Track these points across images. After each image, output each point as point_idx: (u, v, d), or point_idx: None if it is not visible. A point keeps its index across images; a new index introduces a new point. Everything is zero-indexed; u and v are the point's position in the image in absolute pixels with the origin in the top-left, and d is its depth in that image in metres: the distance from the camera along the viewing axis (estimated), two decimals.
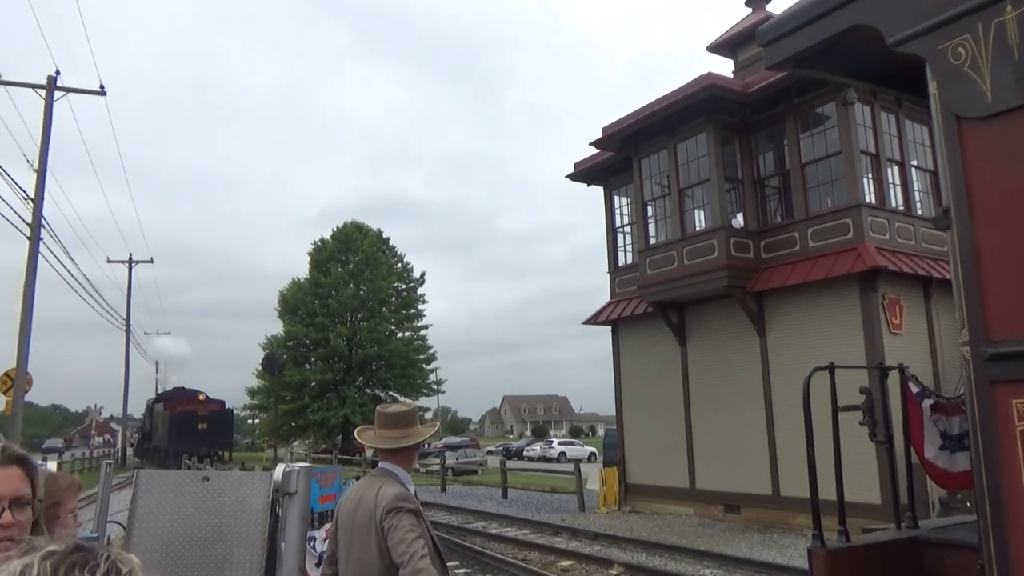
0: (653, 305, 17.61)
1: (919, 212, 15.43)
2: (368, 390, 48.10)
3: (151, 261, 46.26)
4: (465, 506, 20.88)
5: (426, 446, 36.23)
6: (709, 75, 15.78)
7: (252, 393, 49.36)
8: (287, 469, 2.67)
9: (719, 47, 19.35)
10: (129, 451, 52.92)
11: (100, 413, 59.04)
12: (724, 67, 19.62)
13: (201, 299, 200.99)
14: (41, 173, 18.75)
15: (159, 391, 55.12)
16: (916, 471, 4.10)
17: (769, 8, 19.01)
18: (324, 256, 48.68)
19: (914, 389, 3.95)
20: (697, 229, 16.57)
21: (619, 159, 18.88)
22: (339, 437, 46.16)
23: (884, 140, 15.09)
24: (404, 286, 49.88)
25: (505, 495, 24.29)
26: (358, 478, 3.93)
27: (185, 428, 39.82)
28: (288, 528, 2.63)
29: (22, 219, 17.82)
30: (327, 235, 50.21)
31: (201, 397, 43.55)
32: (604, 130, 17.96)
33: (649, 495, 18.51)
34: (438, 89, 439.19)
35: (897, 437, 4.05)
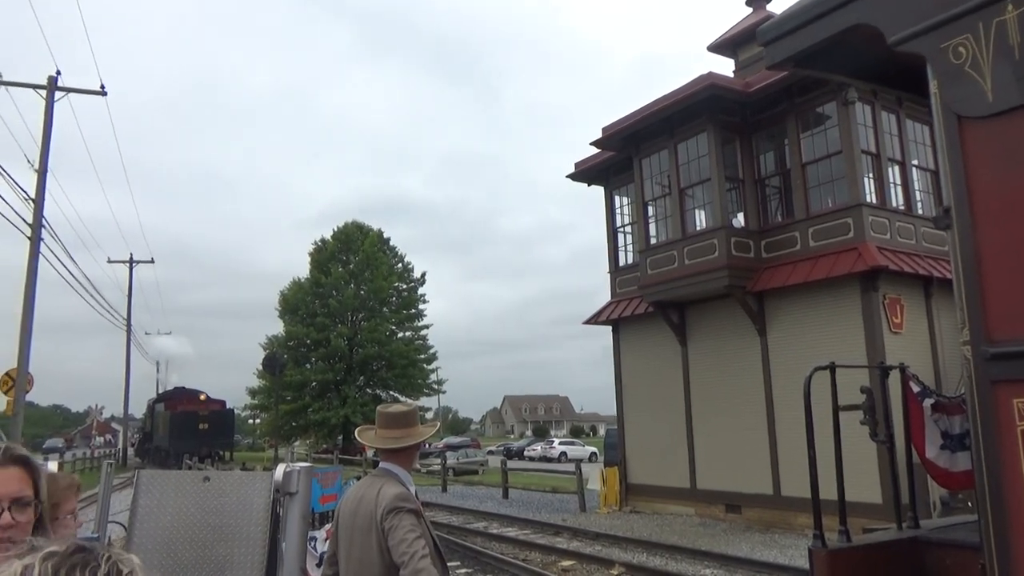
0: (654, 305, 17.61)
1: (920, 212, 15.42)
2: (369, 390, 48.11)
3: (152, 261, 46.33)
4: (466, 506, 20.88)
5: (427, 446, 36.25)
6: (710, 75, 15.78)
7: (253, 393, 49.38)
8: (288, 469, 2.68)
9: (720, 47, 19.35)
10: (130, 451, 52.94)
11: (101, 413, 58.98)
12: (725, 67, 19.64)
13: (202, 299, 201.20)
14: (42, 173, 18.76)
15: (160, 391, 55.17)
16: (917, 471, 4.10)
17: (770, 8, 19.01)
18: (325, 256, 48.69)
19: (915, 388, 3.95)
20: (698, 229, 16.56)
21: (620, 159, 18.88)
22: (340, 437, 46.17)
23: (885, 139, 15.08)
24: (405, 286, 49.89)
25: (506, 495, 24.29)
26: (359, 478, 3.93)
27: (186, 428, 39.85)
28: (289, 528, 2.64)
29: (23, 219, 17.85)
30: (328, 235, 50.29)
31: (202, 397, 43.59)
32: (605, 130, 17.96)
33: (650, 495, 18.51)
34: (438, 89, 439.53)
35: (898, 437, 4.05)
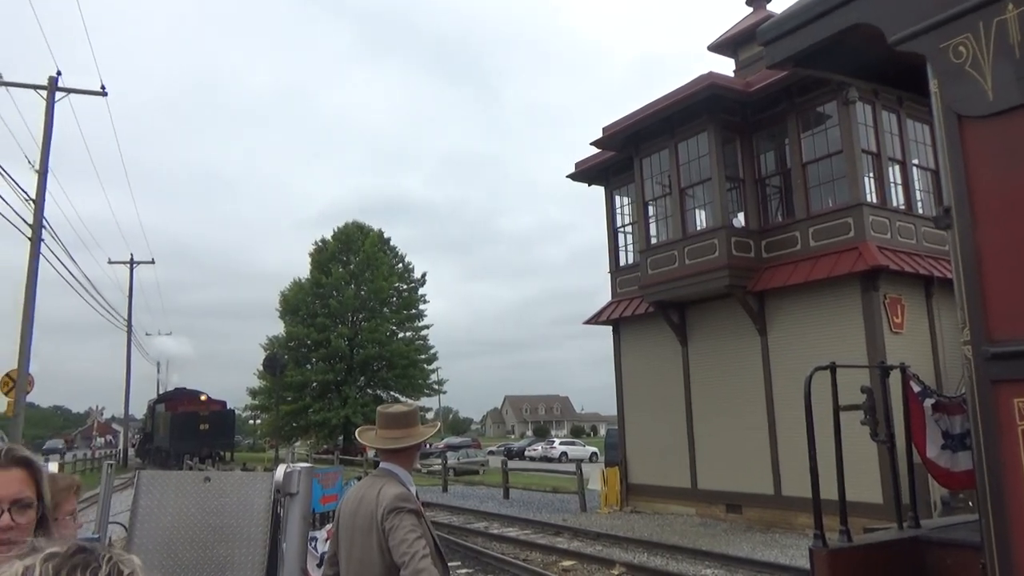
0: (654, 305, 17.60)
1: (920, 211, 15.41)
2: (369, 390, 48.11)
3: (152, 262, 46.37)
4: (466, 506, 20.88)
5: (427, 446, 36.24)
6: (710, 74, 15.78)
7: (253, 393, 49.39)
8: (288, 470, 2.67)
9: (720, 46, 19.34)
10: (131, 452, 52.96)
11: (102, 414, 59.01)
12: (725, 66, 19.64)
13: (202, 299, 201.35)
14: (42, 174, 18.77)
15: (160, 392, 55.18)
16: (918, 470, 4.10)
17: (770, 7, 19.01)
18: (325, 256, 48.69)
19: (916, 388, 3.95)
20: (698, 229, 16.56)
21: (620, 159, 18.88)
22: (340, 437, 46.17)
23: (885, 139, 15.07)
24: (405, 286, 49.89)
25: (507, 495, 24.29)
26: (360, 478, 3.93)
27: (187, 429, 39.87)
28: (290, 529, 2.63)
29: (23, 220, 17.85)
30: (328, 235, 50.28)
31: (203, 398, 43.61)
32: (605, 130, 17.96)
33: (651, 495, 18.50)
34: (438, 89, 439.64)
35: (899, 436, 4.05)
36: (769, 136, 16.66)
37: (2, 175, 16.11)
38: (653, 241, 17.50)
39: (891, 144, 15.27)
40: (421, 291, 50.56)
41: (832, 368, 3.93)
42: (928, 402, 3.93)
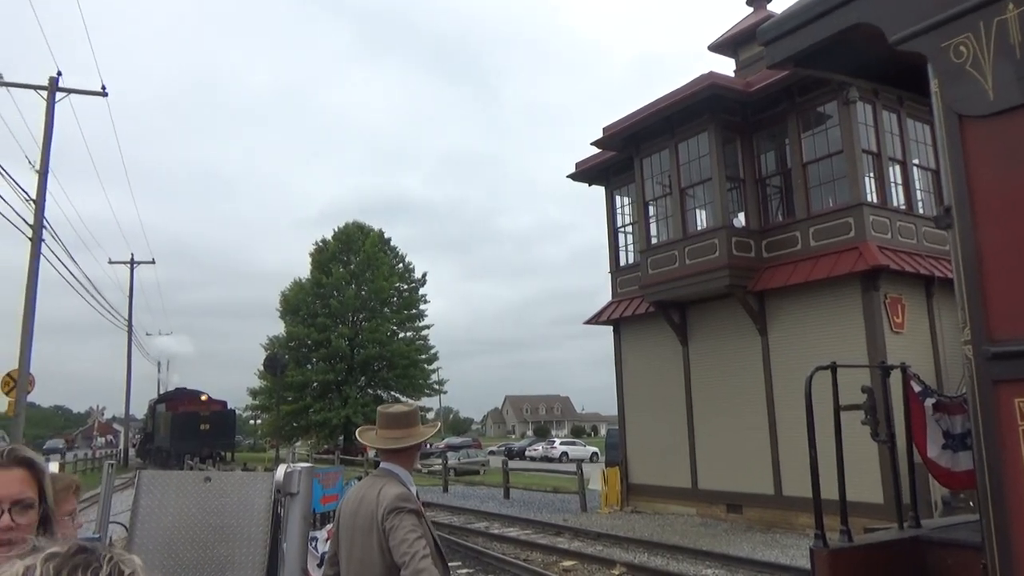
0: (655, 305, 17.60)
1: (921, 211, 15.41)
2: (370, 390, 48.11)
3: (153, 262, 46.39)
4: (467, 506, 20.88)
5: (428, 446, 36.21)
6: (710, 74, 15.77)
7: (254, 393, 49.40)
8: (289, 470, 2.68)
9: (720, 46, 19.34)
10: (131, 452, 52.98)
11: (102, 414, 59.03)
12: (725, 66, 19.63)
13: (202, 299, 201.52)
14: (43, 174, 18.77)
15: (161, 392, 55.20)
16: (918, 470, 4.10)
17: (770, 7, 19.00)
18: (326, 256, 48.69)
19: (916, 388, 3.94)
20: (698, 229, 16.55)
21: (620, 159, 18.87)
22: (341, 437, 46.17)
23: (886, 139, 15.07)
24: (405, 286, 49.88)
25: (507, 495, 24.29)
26: (360, 478, 3.93)
27: (187, 429, 39.88)
28: (290, 528, 2.64)
29: (24, 220, 17.86)
30: (328, 235, 50.28)
31: (203, 398, 43.63)
32: (605, 129, 17.95)
33: (651, 495, 18.50)
34: (438, 88, 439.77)
35: (899, 436, 4.05)
36: (769, 136, 16.66)
37: (3, 175, 16.12)
38: (653, 241, 17.50)
39: (892, 144, 15.26)
40: (421, 291, 50.59)
41: (833, 368, 3.93)
42: (929, 402, 3.92)
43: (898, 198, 15.33)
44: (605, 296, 20.63)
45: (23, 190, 18.01)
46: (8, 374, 18.09)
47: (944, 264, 14.25)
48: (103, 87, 20.53)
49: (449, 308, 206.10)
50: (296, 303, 47.75)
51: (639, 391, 19.22)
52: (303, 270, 54.56)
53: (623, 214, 20.27)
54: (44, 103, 19.20)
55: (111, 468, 3.44)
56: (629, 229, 19.97)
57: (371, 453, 28.66)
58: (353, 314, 47.56)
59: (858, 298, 14.14)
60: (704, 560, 11.95)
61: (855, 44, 2.89)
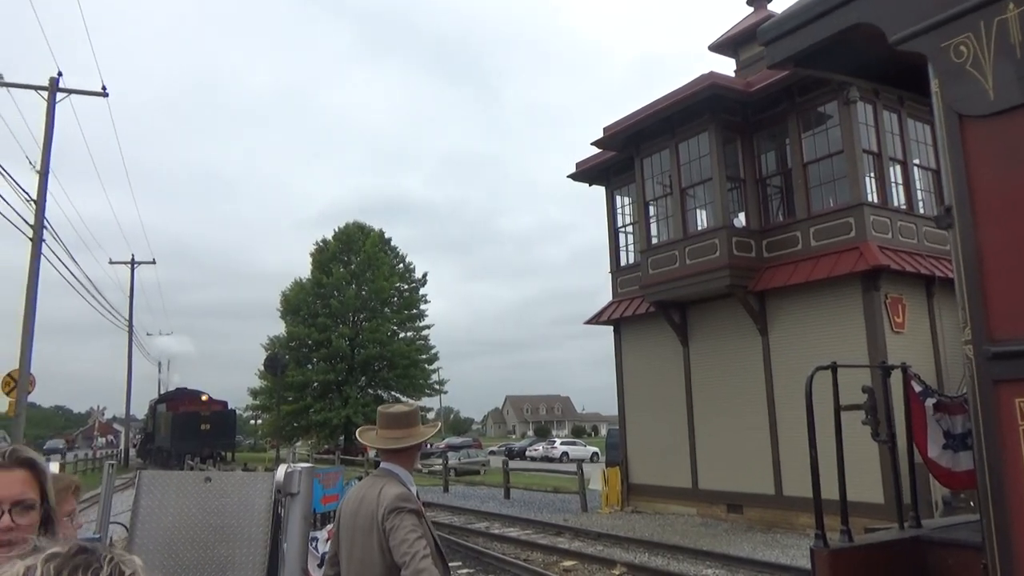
0: (655, 305, 17.60)
1: (921, 211, 15.40)
2: (370, 390, 48.11)
3: (153, 262, 46.39)
4: (468, 506, 20.88)
5: (428, 446, 36.19)
6: (711, 74, 15.77)
7: (254, 394, 49.42)
8: (289, 470, 2.68)
9: (721, 46, 19.34)
10: (132, 452, 52.98)
11: (103, 414, 59.07)
12: (726, 66, 19.64)
13: (203, 299, 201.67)
14: (43, 174, 18.78)
15: (162, 392, 55.22)
16: (919, 470, 4.10)
17: (771, 7, 19.00)
18: (326, 256, 48.70)
19: (917, 388, 3.94)
20: (699, 229, 16.55)
21: (621, 159, 18.87)
22: (341, 438, 46.18)
23: (886, 139, 15.06)
24: (406, 286, 49.89)
25: (507, 495, 24.28)
26: (360, 478, 3.94)
27: (188, 429, 39.88)
28: (290, 528, 2.64)
29: (25, 220, 17.87)
30: (328, 235, 50.30)
31: (204, 398, 43.63)
32: (606, 130, 17.95)
33: (652, 495, 18.50)
34: (438, 89, 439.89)
35: (900, 436, 4.04)
36: (770, 136, 16.66)
37: (3, 176, 16.13)
38: (654, 241, 17.50)
39: (892, 144, 15.26)
40: (422, 291, 50.61)
41: (833, 368, 3.93)
42: (929, 402, 3.92)
43: (899, 198, 15.32)
44: (605, 296, 20.65)
45: (24, 190, 18.04)
46: (9, 374, 18.10)
47: (945, 264, 14.25)
48: (103, 87, 20.54)
49: (450, 308, 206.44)
50: (297, 303, 47.76)
51: (639, 391, 19.22)
52: (304, 270, 54.62)
53: (623, 214, 20.27)
54: (45, 103, 19.22)
55: (111, 468, 3.44)
56: (629, 229, 19.97)
57: (371, 453, 28.67)
58: (353, 314, 47.57)
59: (859, 298, 14.13)
60: (705, 560, 11.95)
61: (855, 44, 2.89)
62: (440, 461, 30.60)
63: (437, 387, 51.37)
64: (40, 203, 18.55)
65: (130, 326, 46.10)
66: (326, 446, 46.95)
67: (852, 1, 2.64)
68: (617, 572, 11.39)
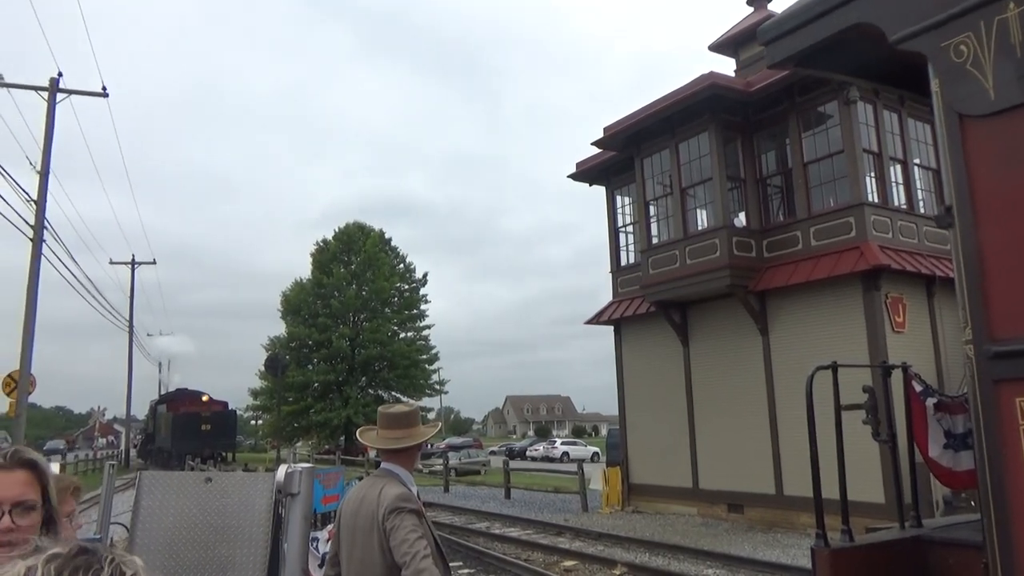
0: (655, 305, 17.60)
1: (922, 210, 15.40)
2: (371, 391, 48.11)
3: (154, 262, 46.41)
4: (468, 506, 20.88)
5: (429, 446, 36.22)
6: (711, 74, 15.77)
7: (255, 394, 49.42)
8: (290, 470, 2.68)
9: (721, 46, 19.34)
10: (132, 452, 52.99)
11: (104, 414, 59.14)
12: (726, 66, 19.62)
13: (203, 300, 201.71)
14: (44, 175, 18.79)
15: (162, 392, 55.22)
16: (920, 470, 4.09)
17: (771, 7, 19.00)
18: (326, 256, 48.71)
19: (917, 388, 3.94)
20: (699, 228, 16.55)
21: (621, 159, 18.87)
22: (342, 438, 46.18)
23: (886, 138, 15.06)
24: (406, 286, 49.90)
25: (508, 495, 24.28)
26: (361, 479, 3.94)
27: (188, 429, 39.88)
28: (291, 529, 2.64)
29: (25, 221, 17.88)
30: (329, 236, 50.30)
31: (204, 398, 43.64)
32: (606, 129, 17.95)
33: (652, 495, 18.50)
34: (439, 89, 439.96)
35: (901, 436, 4.04)
36: (770, 136, 16.66)
37: (4, 176, 16.13)
38: (654, 241, 17.50)
39: (892, 143, 15.26)
40: (422, 291, 50.61)
41: (834, 368, 3.92)
42: (930, 401, 3.92)
43: (899, 198, 15.32)
44: (606, 296, 20.65)
45: (24, 191, 18.05)
46: (9, 375, 18.11)
47: (945, 263, 14.24)
48: (104, 88, 20.55)
49: (450, 309, 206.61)
50: (297, 303, 47.77)
51: (640, 391, 19.21)
52: (304, 270, 54.59)
53: (624, 214, 20.27)
54: (45, 104, 19.23)
55: (112, 469, 3.44)
56: (630, 229, 19.96)
57: (372, 453, 28.67)
58: (354, 314, 47.58)
59: (859, 298, 14.13)
60: (705, 560, 11.95)
61: (855, 44, 2.89)
62: (441, 461, 30.59)
63: (437, 387, 51.38)
64: (40, 203, 18.56)
65: (130, 326, 46.12)
66: (327, 446, 46.96)
67: (852, 1, 2.64)
68: (618, 572, 11.38)
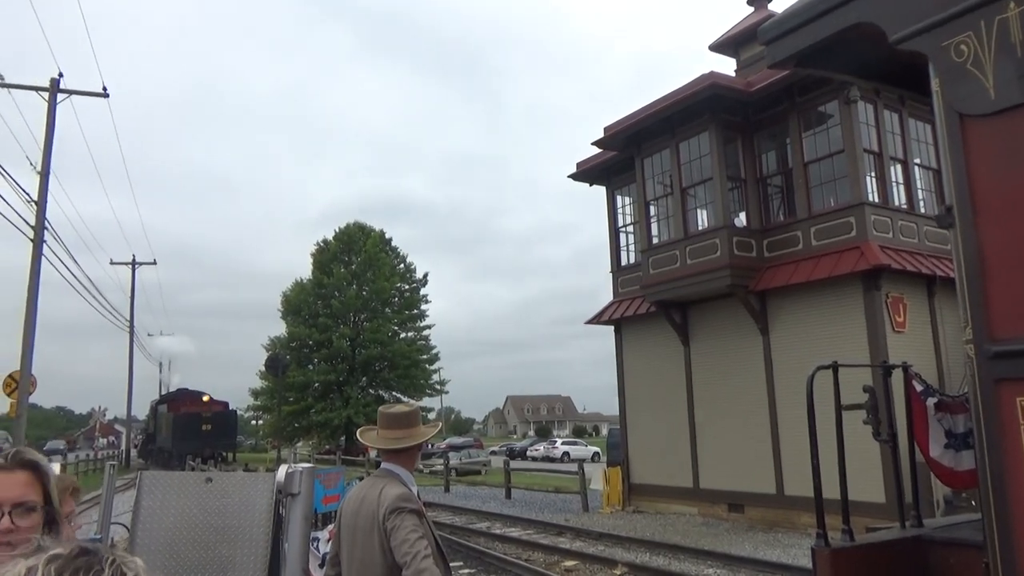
0: (656, 305, 17.60)
1: (922, 210, 15.39)
2: (371, 391, 48.11)
3: (154, 263, 46.44)
4: (469, 506, 20.88)
5: (429, 446, 36.21)
6: (711, 74, 15.77)
7: (256, 394, 49.44)
8: (290, 470, 2.68)
9: (721, 46, 19.34)
10: (133, 452, 53.00)
11: (104, 415, 59.16)
12: (726, 66, 19.63)
13: (204, 300, 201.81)
14: (44, 175, 18.80)
15: (163, 392, 55.25)
16: (920, 469, 4.09)
17: (771, 7, 18.99)
18: (327, 257, 48.72)
19: (918, 387, 3.94)
20: (700, 228, 16.55)
21: (621, 159, 18.87)
22: (343, 438, 46.18)
23: (887, 138, 15.06)
24: (407, 286, 49.90)
25: (509, 495, 24.28)
26: (362, 479, 3.94)
27: (189, 429, 39.91)
28: (291, 529, 2.64)
29: (26, 221, 17.89)
30: (329, 236, 50.31)
31: (205, 398, 43.67)
32: (606, 129, 17.95)
33: (653, 495, 18.49)
34: (439, 89, 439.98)
35: (901, 436, 4.04)
36: (770, 135, 16.65)
37: (4, 176, 16.14)
38: (655, 241, 17.49)
39: (893, 143, 15.25)
40: (423, 291, 50.61)
41: (834, 367, 3.92)
42: (931, 401, 3.92)
43: (899, 197, 15.32)
44: (606, 296, 20.65)
45: (24, 191, 18.07)
46: (10, 375, 18.12)
47: (946, 263, 14.24)
48: (104, 88, 20.56)
49: (451, 309, 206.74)
50: (297, 303, 47.78)
51: (640, 391, 19.21)
52: (304, 270, 54.64)
53: (624, 214, 20.27)
54: (45, 104, 19.24)
55: (112, 469, 3.44)
56: (630, 229, 19.96)
57: (372, 453, 28.67)
58: (354, 314, 47.58)
59: (860, 297, 14.13)
60: (706, 560, 11.95)
61: (856, 43, 2.89)
62: (441, 461, 30.59)
63: (438, 387, 51.38)
64: (41, 204, 18.57)
65: (131, 327, 46.14)
66: (327, 446, 46.96)
67: (852, 0, 2.63)
68: (618, 572, 11.38)
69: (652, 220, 17.73)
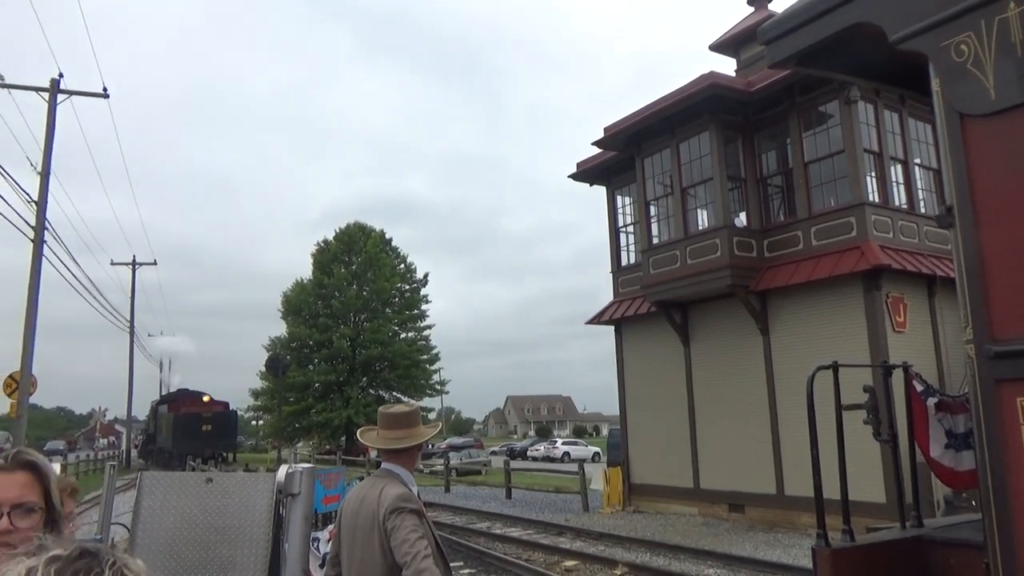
0: (656, 305, 17.59)
1: (923, 210, 15.39)
2: (372, 391, 48.10)
3: (154, 263, 46.45)
4: (469, 506, 20.88)
5: (430, 446, 36.20)
6: (711, 74, 15.77)
7: (256, 394, 49.43)
8: (291, 470, 2.68)
9: (721, 46, 19.33)
10: (133, 453, 53.00)
11: (105, 415, 59.21)
12: (727, 66, 19.62)
13: (204, 300, 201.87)
14: (44, 176, 18.80)
15: (163, 393, 55.25)
16: (921, 470, 4.09)
17: (771, 7, 18.99)
18: (327, 257, 48.71)
19: (918, 387, 3.94)
20: (700, 228, 16.55)
21: (622, 159, 18.87)
22: (343, 438, 46.17)
23: (887, 138, 15.05)
24: (407, 287, 49.89)
25: (509, 495, 24.28)
26: (362, 479, 3.94)
27: (189, 429, 39.92)
28: (292, 529, 2.64)
29: (26, 222, 17.89)
30: (330, 236, 50.30)
31: (205, 399, 43.69)
32: (607, 129, 17.95)
33: (653, 495, 18.49)
34: (439, 89, 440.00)
35: (901, 436, 4.04)
36: (771, 135, 16.65)
37: (4, 177, 16.14)
38: (655, 241, 17.49)
39: (893, 143, 15.25)
40: (423, 291, 50.60)
41: (834, 367, 3.92)
42: (931, 401, 3.92)
43: (900, 197, 15.31)
44: (606, 296, 20.65)
45: (25, 192, 18.07)
46: (10, 376, 18.12)
47: (946, 263, 14.23)
48: (104, 89, 20.56)
49: (451, 309, 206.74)
50: (298, 304, 47.77)
51: (641, 391, 19.21)
52: (305, 271, 54.63)
53: (624, 214, 20.27)
54: (46, 105, 19.23)
55: (113, 469, 3.44)
56: (630, 229, 19.96)
57: (373, 453, 28.66)
58: (355, 314, 47.58)
59: (860, 298, 14.12)
60: (706, 560, 11.94)
61: (856, 43, 2.88)
62: (441, 461, 30.58)
63: (438, 387, 51.37)
64: (41, 204, 18.57)
65: (131, 327, 46.14)
66: (327, 447, 46.94)
67: (853, 0, 2.63)
68: (619, 572, 11.38)
69: (652, 220, 17.73)
